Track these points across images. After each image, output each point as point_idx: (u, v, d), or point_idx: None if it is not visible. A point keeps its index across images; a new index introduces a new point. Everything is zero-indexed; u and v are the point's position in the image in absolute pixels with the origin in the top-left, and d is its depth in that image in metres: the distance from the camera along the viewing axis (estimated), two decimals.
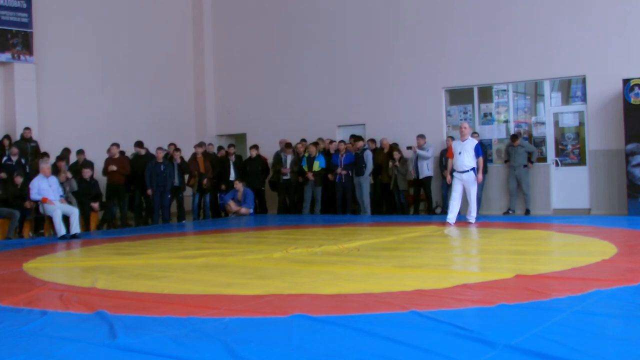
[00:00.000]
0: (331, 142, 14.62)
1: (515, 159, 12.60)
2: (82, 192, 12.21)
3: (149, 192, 13.09)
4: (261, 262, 7.08)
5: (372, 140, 13.94)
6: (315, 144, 14.37)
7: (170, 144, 14.07)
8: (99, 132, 14.65)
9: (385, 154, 13.56)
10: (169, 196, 13.35)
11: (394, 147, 13.60)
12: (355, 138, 14.01)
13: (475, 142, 10.71)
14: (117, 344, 3.80)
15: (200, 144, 14.82)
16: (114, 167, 12.91)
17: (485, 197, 13.13)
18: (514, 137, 12.69)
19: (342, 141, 14.06)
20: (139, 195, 13.69)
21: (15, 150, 12.30)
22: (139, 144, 14.06)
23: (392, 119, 14.36)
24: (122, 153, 13.49)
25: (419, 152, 12.92)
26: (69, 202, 11.61)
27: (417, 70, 14.27)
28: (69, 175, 12.09)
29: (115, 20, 15.82)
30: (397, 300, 4.74)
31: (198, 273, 6.54)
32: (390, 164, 13.37)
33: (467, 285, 5.24)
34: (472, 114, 13.77)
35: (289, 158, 14.33)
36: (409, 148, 13.30)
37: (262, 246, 8.57)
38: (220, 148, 15.64)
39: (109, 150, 13.25)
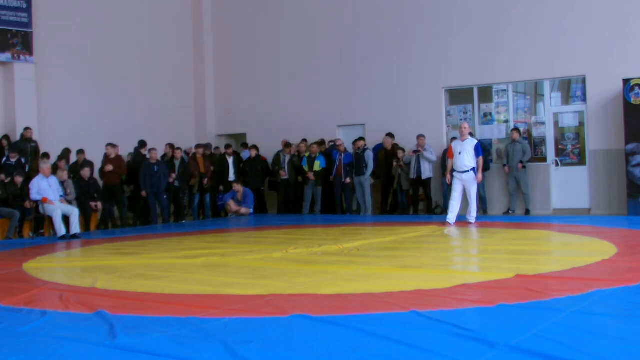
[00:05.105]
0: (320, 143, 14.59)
1: (514, 158, 12.59)
2: (81, 192, 12.21)
3: (143, 193, 13.07)
4: (261, 262, 7.08)
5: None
6: (318, 144, 14.39)
7: (169, 145, 14.10)
8: (99, 132, 14.65)
9: (387, 154, 13.60)
10: (165, 196, 13.32)
11: (397, 147, 13.60)
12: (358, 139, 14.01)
13: (475, 141, 10.71)
14: (117, 344, 3.80)
15: (206, 145, 14.89)
16: (110, 167, 12.91)
17: (485, 197, 13.13)
18: (516, 130, 12.66)
19: (340, 141, 14.05)
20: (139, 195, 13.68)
21: (13, 154, 12.26)
22: (142, 144, 14.11)
23: (392, 119, 14.36)
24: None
25: (426, 154, 12.88)
26: (69, 202, 11.61)
27: (417, 70, 14.27)
28: (69, 186, 12.04)
29: (115, 20, 15.81)
30: (397, 300, 4.74)
31: (198, 273, 6.54)
32: (395, 164, 13.37)
33: (467, 285, 5.24)
34: (472, 114, 13.77)
35: (288, 158, 14.33)
36: (415, 152, 13.14)
37: (262, 246, 8.57)
38: (216, 148, 15.68)
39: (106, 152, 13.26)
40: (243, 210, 13.92)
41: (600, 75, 12.22)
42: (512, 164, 12.63)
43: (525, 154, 12.55)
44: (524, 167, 12.56)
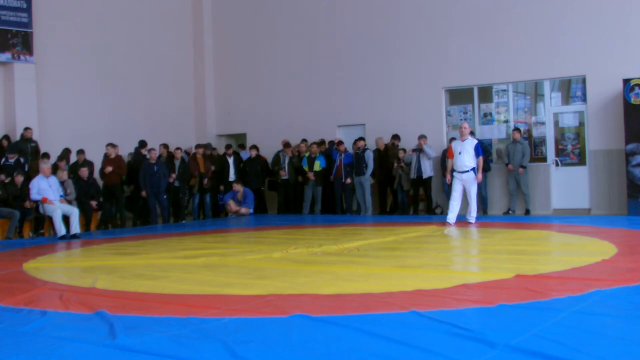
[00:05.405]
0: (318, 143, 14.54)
1: (514, 158, 12.58)
2: (81, 192, 12.20)
3: (143, 193, 13.05)
4: (261, 262, 7.08)
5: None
6: (318, 144, 14.39)
7: (163, 145, 14.09)
8: (99, 132, 14.66)
9: (381, 154, 13.62)
10: (165, 196, 13.32)
11: (391, 147, 13.62)
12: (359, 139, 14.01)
13: (476, 141, 10.70)
14: (117, 344, 3.80)
15: (206, 145, 14.89)
16: (109, 169, 12.90)
17: (487, 197, 13.13)
18: (517, 130, 12.65)
19: (340, 141, 14.06)
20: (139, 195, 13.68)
21: (12, 155, 12.25)
22: (142, 144, 14.13)
23: (392, 119, 14.36)
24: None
25: (426, 148, 12.87)
26: (69, 202, 11.61)
27: (417, 70, 14.27)
28: (70, 186, 12.03)
29: (115, 20, 15.82)
30: (397, 300, 4.74)
31: (198, 273, 6.54)
32: (395, 164, 13.38)
33: (467, 285, 5.24)
34: (472, 114, 13.77)
35: (288, 158, 14.33)
36: (414, 150, 13.17)
37: (262, 246, 8.57)
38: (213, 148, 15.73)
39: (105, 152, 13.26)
40: (243, 210, 13.92)
41: (600, 75, 12.22)
42: (513, 163, 12.62)
43: (525, 156, 12.52)
44: (524, 168, 12.54)
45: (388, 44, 14.69)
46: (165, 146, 14.34)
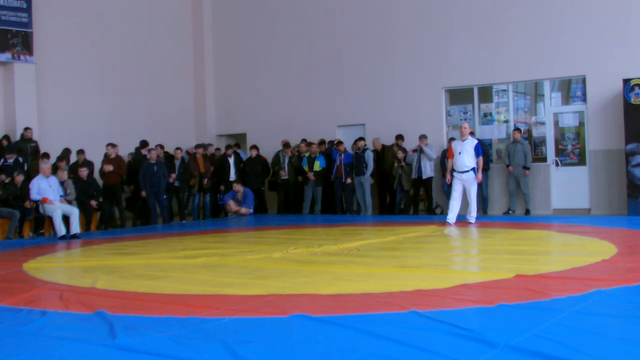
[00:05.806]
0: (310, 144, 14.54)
1: (515, 158, 12.57)
2: (81, 192, 12.20)
3: (143, 193, 13.04)
4: (261, 262, 7.08)
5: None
6: (318, 144, 14.39)
7: (159, 146, 14.09)
8: (99, 132, 14.65)
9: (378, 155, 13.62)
10: (165, 196, 13.31)
11: (389, 148, 13.62)
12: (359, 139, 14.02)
13: (476, 141, 10.70)
14: (117, 344, 3.81)
15: (205, 146, 14.89)
16: (110, 167, 12.90)
17: (487, 197, 13.13)
18: (517, 130, 12.64)
19: (340, 141, 14.06)
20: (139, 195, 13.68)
21: (10, 155, 12.23)
22: (143, 144, 14.13)
23: (392, 119, 14.36)
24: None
25: (426, 149, 12.88)
26: (69, 202, 11.60)
27: (417, 70, 14.27)
28: (70, 186, 12.02)
29: (115, 20, 15.82)
30: (397, 300, 4.74)
31: (198, 273, 6.54)
32: (395, 164, 13.38)
33: (467, 285, 5.24)
34: (472, 114, 13.77)
35: (288, 158, 14.33)
36: (414, 151, 13.18)
37: (262, 246, 8.57)
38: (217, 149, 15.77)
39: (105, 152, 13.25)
40: (243, 210, 13.92)
41: (600, 75, 12.22)
42: (513, 164, 12.61)
43: (527, 157, 12.49)
44: (528, 169, 12.52)
45: (388, 44, 14.69)
46: (161, 146, 14.30)
